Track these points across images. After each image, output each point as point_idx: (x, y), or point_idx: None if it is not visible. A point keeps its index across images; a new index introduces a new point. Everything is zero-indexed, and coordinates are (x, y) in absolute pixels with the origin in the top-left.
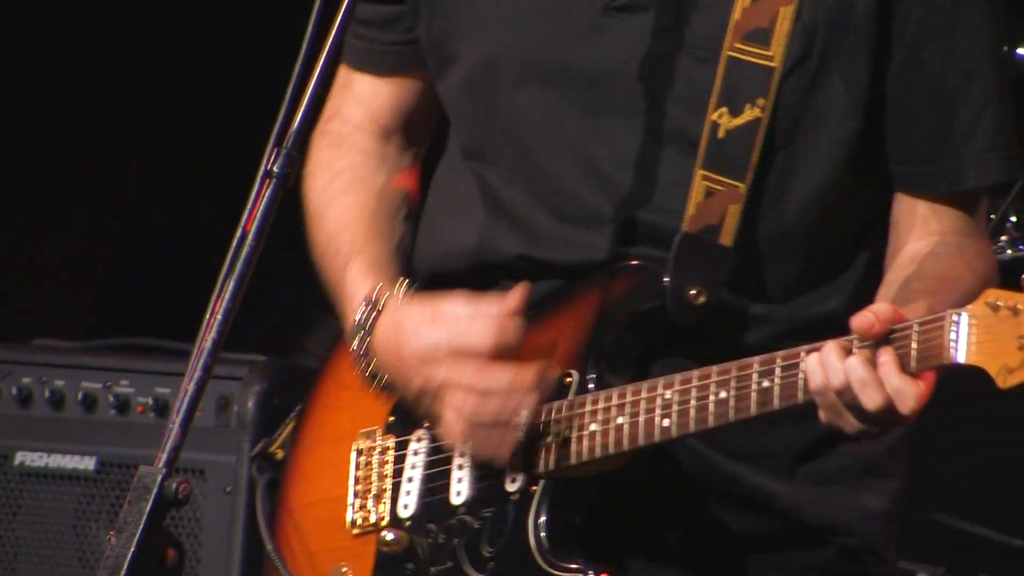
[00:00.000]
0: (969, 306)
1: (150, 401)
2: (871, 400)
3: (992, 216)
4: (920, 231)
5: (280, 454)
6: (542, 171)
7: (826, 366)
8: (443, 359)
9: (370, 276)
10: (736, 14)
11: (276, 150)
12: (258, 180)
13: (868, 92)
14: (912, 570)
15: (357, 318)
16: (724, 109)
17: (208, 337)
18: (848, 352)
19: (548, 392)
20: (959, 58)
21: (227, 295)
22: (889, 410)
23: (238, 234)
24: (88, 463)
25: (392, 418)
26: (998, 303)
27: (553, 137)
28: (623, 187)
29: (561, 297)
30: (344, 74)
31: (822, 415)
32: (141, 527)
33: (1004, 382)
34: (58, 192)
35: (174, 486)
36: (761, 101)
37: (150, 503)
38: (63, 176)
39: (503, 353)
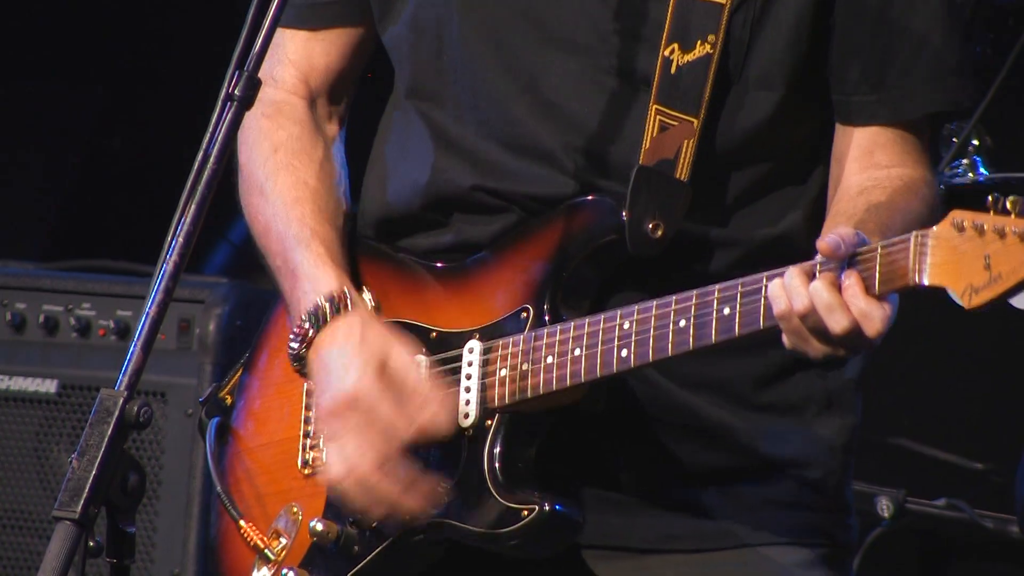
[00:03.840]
0: (934, 227)
1: (111, 324)
2: (837, 323)
3: (954, 140)
4: (865, 163)
5: (229, 400)
6: (491, 102)
7: (789, 290)
8: (366, 415)
9: (329, 266)
10: None
11: (237, 73)
12: (220, 103)
13: (813, 23)
14: (873, 493)
15: (315, 306)
16: (675, 45)
17: (170, 260)
18: (812, 276)
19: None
20: None
21: (188, 218)
22: (855, 333)
23: (199, 157)
24: (49, 386)
25: None
26: (963, 223)
27: (502, 68)
28: (575, 120)
29: (518, 232)
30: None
31: (787, 340)
32: (102, 450)
33: (970, 302)
34: (18, 116)
35: (135, 409)
36: (712, 37)
37: (111, 426)
38: (23, 100)
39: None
